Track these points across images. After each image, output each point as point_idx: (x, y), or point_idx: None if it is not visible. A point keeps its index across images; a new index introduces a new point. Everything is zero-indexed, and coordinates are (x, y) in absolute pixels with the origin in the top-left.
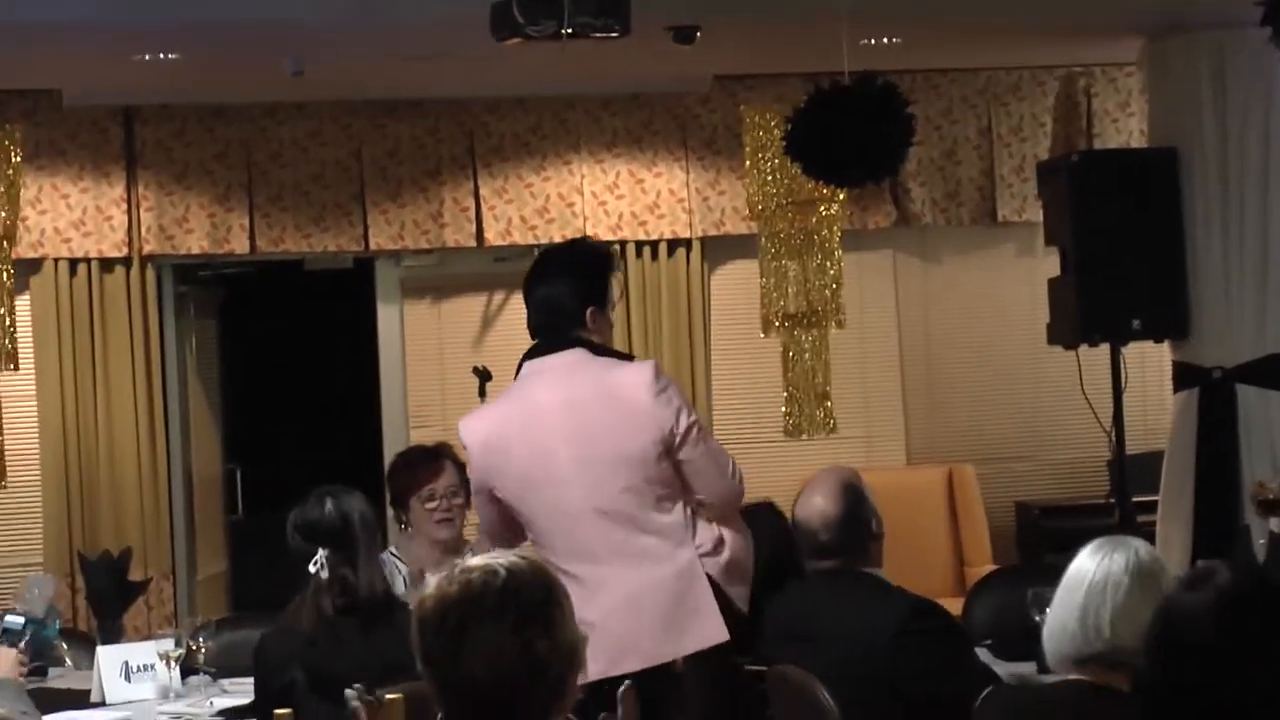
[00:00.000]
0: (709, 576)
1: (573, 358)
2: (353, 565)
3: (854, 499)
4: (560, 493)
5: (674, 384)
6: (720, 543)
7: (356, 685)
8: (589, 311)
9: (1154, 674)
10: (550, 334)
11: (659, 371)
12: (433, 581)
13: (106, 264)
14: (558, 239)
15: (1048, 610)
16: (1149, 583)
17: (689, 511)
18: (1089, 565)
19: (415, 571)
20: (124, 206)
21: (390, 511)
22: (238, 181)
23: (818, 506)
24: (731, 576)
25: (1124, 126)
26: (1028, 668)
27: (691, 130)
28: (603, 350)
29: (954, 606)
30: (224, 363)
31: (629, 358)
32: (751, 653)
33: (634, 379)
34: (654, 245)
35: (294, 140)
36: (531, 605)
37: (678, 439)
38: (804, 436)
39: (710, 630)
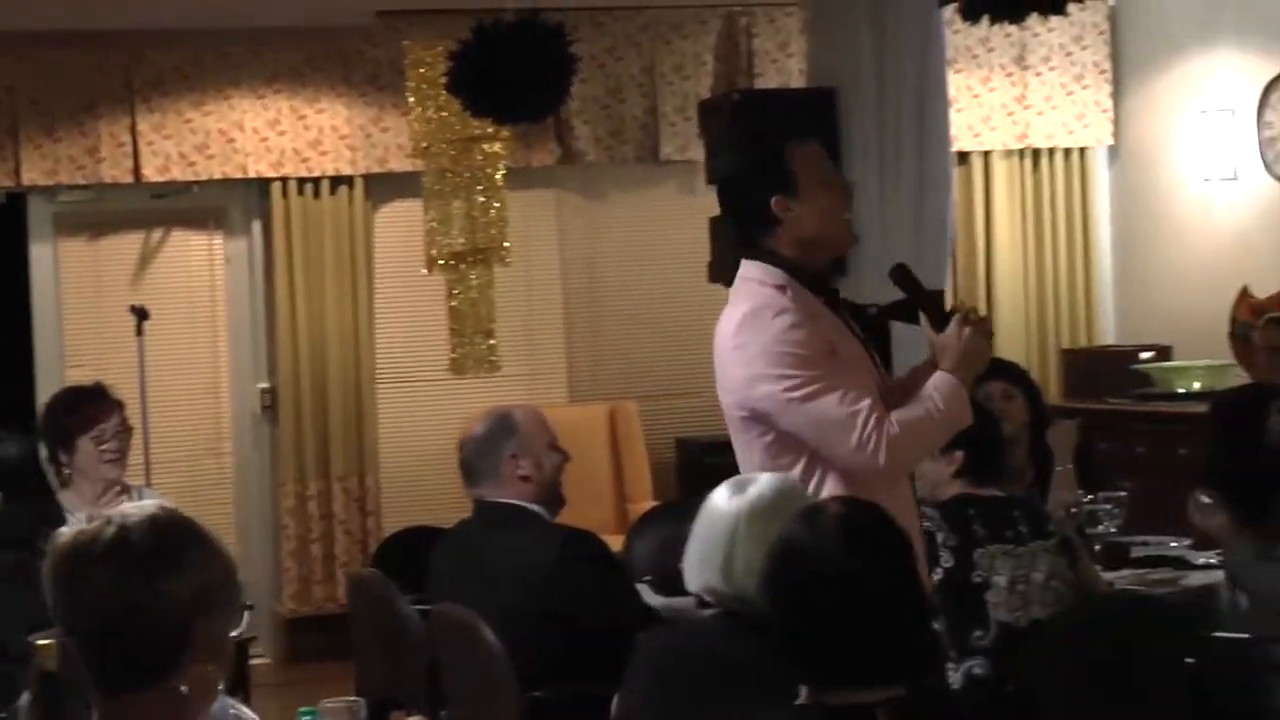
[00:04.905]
0: None
1: None
2: None
3: (498, 428)
4: None
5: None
6: None
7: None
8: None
9: (779, 607)
10: None
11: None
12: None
13: None
14: (218, 175)
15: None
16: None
17: None
18: (718, 513)
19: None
20: None
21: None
22: None
23: (468, 431)
24: None
25: (784, 66)
26: (688, 602)
27: (355, 66)
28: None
29: (615, 543)
30: None
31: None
32: (420, 591)
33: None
34: (316, 182)
35: None
36: (140, 555)
37: None
38: (468, 374)
39: None
